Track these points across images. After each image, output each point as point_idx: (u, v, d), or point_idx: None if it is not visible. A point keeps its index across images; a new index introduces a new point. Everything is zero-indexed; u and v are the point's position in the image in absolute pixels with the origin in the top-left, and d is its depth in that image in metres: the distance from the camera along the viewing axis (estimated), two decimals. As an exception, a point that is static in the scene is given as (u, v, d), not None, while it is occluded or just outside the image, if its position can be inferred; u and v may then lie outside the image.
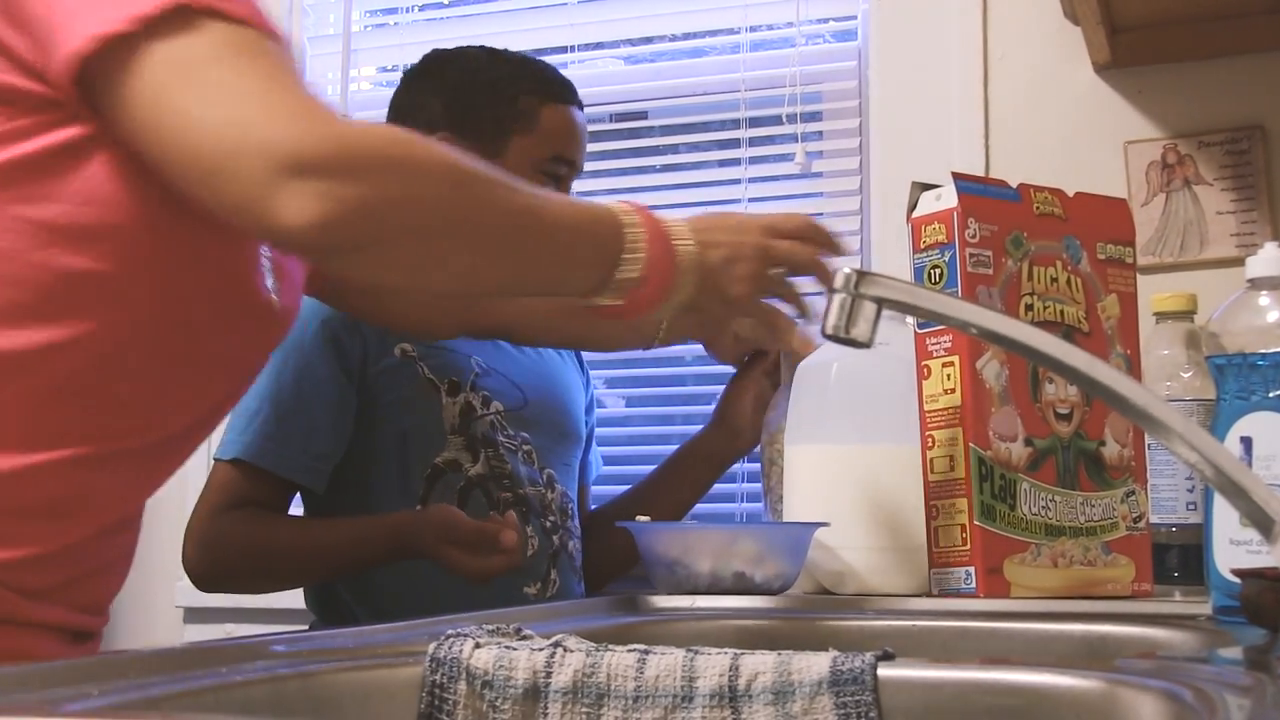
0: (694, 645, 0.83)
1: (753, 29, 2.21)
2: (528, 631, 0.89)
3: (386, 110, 1.76)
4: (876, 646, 0.81)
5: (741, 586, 1.31)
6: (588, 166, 1.80)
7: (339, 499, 1.65)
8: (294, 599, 1.77)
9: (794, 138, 2.13)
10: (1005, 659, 1.06)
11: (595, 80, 2.25)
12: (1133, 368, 1.39)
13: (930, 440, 1.31)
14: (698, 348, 1.95)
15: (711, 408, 1.86)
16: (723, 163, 2.21)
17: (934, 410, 1.31)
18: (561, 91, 1.72)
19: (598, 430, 1.99)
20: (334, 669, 0.84)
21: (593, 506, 1.92)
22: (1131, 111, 1.94)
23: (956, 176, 1.33)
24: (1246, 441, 1.06)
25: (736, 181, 2.18)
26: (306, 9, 2.43)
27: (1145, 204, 1.91)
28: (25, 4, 0.98)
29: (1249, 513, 0.85)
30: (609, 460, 2.16)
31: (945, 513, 1.29)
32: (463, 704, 0.83)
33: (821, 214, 2.12)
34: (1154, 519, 1.41)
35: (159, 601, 2.26)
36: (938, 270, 1.32)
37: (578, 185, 1.79)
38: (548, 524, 1.69)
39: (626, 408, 2.31)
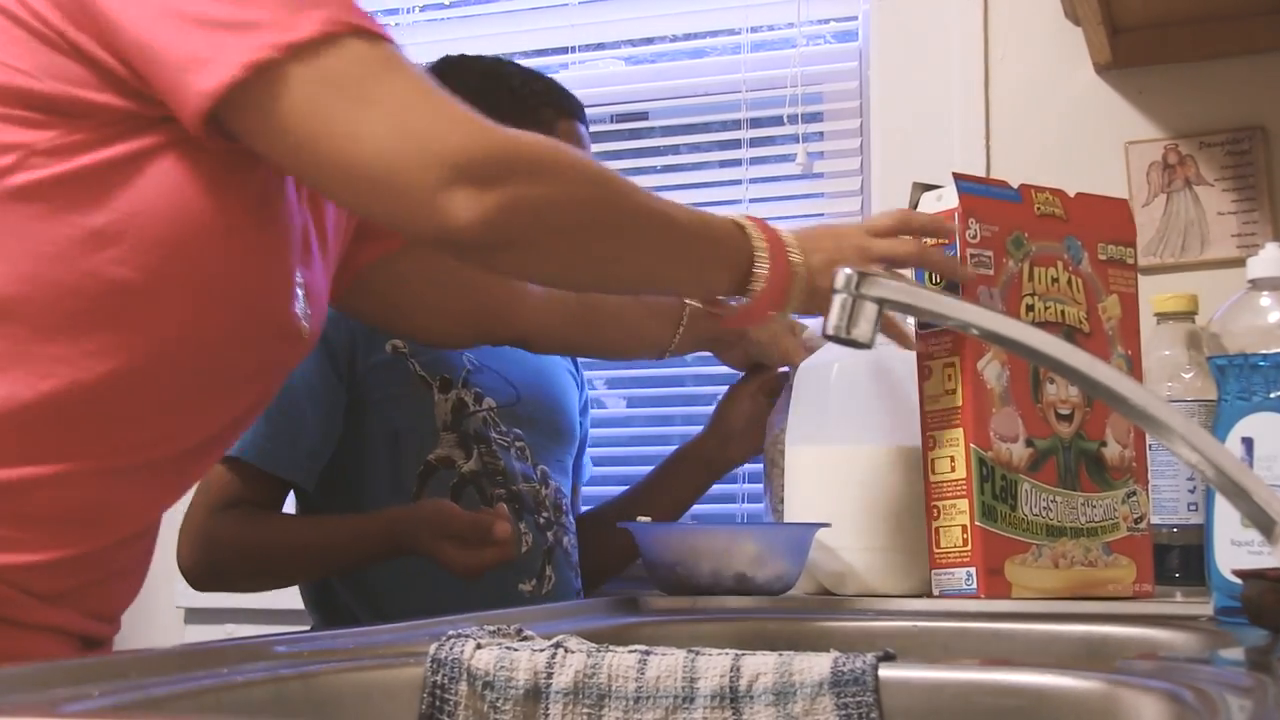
0: (695, 646, 0.83)
1: (754, 29, 2.20)
2: (529, 632, 0.89)
3: None
4: (877, 647, 0.81)
5: (742, 587, 1.31)
6: (589, 167, 1.81)
7: (330, 497, 1.66)
8: (295, 600, 1.76)
9: (795, 138, 2.13)
10: (1006, 660, 1.06)
11: (596, 81, 2.25)
12: (1134, 368, 1.39)
13: (931, 441, 1.31)
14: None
15: (711, 409, 1.87)
16: (724, 163, 2.21)
17: (935, 411, 1.31)
18: (578, 109, 1.77)
19: (598, 431, 1.99)
20: (335, 669, 0.84)
21: (586, 508, 1.92)
22: (1132, 112, 1.94)
23: (958, 177, 1.33)
24: (1248, 442, 1.06)
25: (737, 182, 2.18)
26: (307, 9, 2.42)
27: (1146, 204, 1.91)
28: (121, 30, 1.00)
29: (1250, 513, 0.85)
30: (609, 460, 2.16)
31: (946, 513, 1.28)
32: (464, 705, 0.83)
33: (822, 215, 2.12)
34: (1155, 520, 1.41)
35: (160, 602, 2.26)
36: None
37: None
38: (541, 520, 1.69)
39: (627, 408, 2.31)
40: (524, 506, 1.68)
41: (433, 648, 0.85)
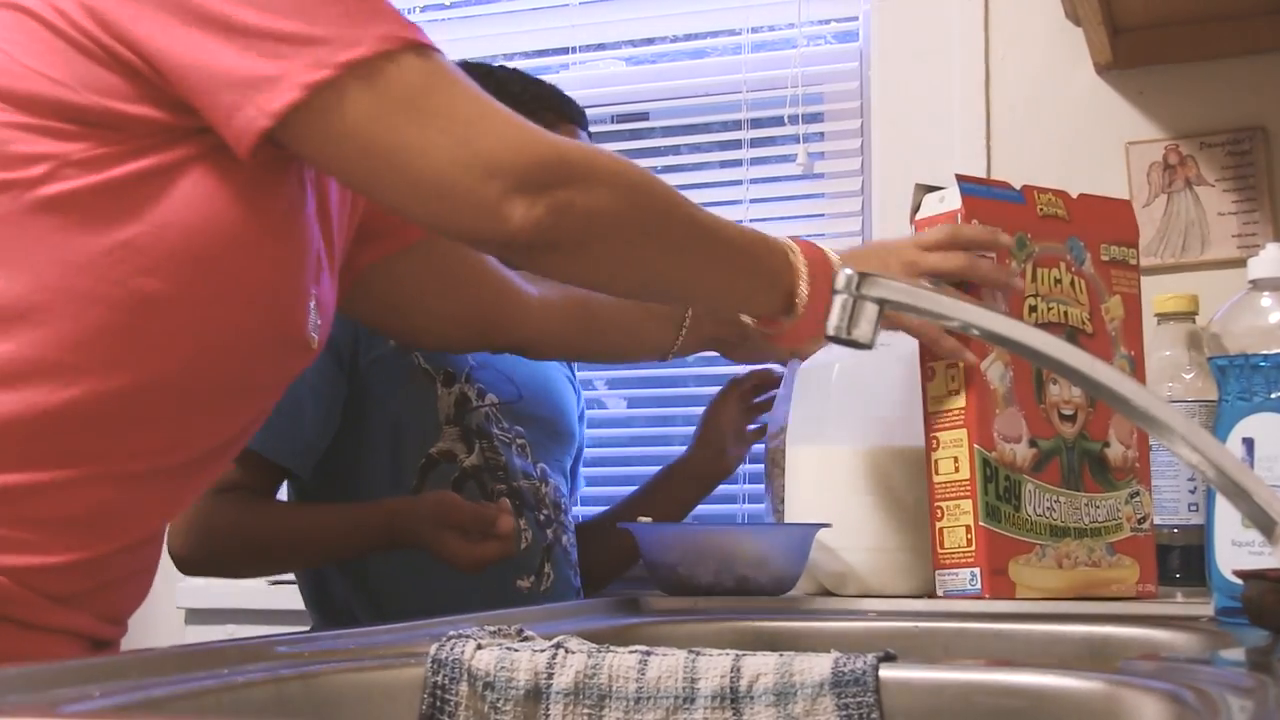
0: (695, 646, 0.83)
1: (754, 30, 2.20)
2: (529, 633, 0.89)
3: None
4: (878, 648, 0.81)
5: (743, 588, 1.31)
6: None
7: (328, 486, 1.65)
8: (295, 600, 1.76)
9: (796, 139, 2.12)
10: (1007, 660, 1.06)
11: (597, 81, 2.25)
12: (1137, 369, 1.39)
13: (935, 441, 1.31)
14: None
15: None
16: (724, 164, 2.21)
17: (938, 411, 1.31)
18: (580, 115, 1.77)
19: (598, 432, 1.98)
20: (336, 670, 0.84)
21: (580, 518, 1.92)
22: (1133, 112, 1.94)
23: (960, 178, 1.33)
24: (1248, 443, 1.06)
25: (738, 183, 2.18)
26: (308, 10, 2.42)
27: (1147, 205, 1.90)
28: (164, 55, 1.01)
29: (1251, 514, 0.85)
30: (610, 461, 2.16)
31: (950, 514, 1.28)
32: (464, 705, 0.83)
33: (823, 215, 2.12)
34: (1156, 520, 1.41)
35: (160, 602, 2.25)
36: (940, 271, 1.32)
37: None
38: (541, 517, 1.69)
39: (627, 408, 2.31)
40: (524, 503, 1.68)
41: (433, 648, 0.85)
